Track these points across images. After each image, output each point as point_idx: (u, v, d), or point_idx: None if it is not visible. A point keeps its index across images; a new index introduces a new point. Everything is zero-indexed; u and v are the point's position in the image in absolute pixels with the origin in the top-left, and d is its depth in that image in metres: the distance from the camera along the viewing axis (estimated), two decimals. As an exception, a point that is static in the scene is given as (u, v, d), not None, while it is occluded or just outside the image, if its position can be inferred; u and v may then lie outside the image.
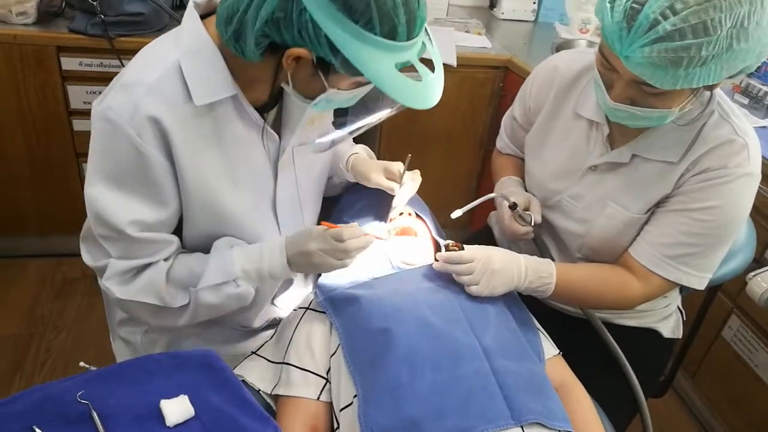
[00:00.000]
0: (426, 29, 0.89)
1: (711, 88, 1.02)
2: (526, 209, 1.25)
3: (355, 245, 1.02)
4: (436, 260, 1.10)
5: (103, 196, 0.94)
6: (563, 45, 2.27)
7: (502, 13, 2.55)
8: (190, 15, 0.94)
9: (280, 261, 1.02)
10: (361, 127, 1.03)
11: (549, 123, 1.28)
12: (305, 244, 1.02)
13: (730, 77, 1.00)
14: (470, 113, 2.27)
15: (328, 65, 0.86)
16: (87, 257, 1.03)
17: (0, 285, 2.13)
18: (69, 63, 1.86)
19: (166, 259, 1.01)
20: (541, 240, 1.30)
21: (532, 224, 1.23)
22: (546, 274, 1.12)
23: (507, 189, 1.31)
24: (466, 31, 2.31)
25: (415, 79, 0.85)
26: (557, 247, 1.31)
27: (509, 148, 1.46)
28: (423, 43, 0.88)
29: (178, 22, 0.97)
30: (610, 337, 1.21)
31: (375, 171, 1.22)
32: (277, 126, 1.07)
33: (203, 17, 0.95)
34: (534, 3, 2.55)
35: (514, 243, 1.36)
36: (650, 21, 0.88)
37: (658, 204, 1.14)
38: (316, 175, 1.21)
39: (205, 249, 1.05)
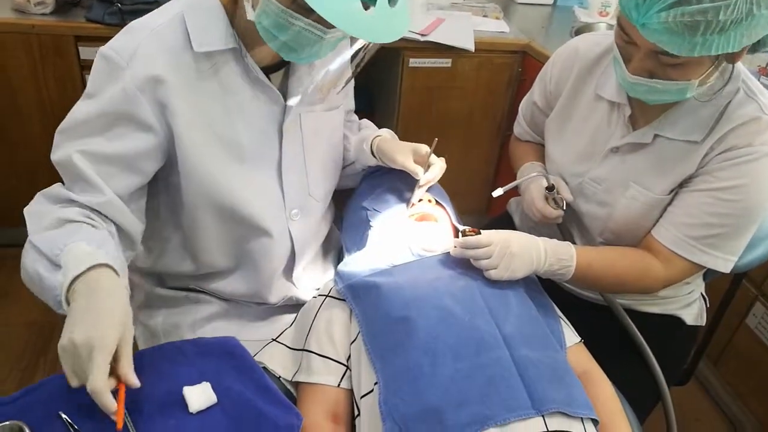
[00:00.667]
0: None
1: (733, 59, 1.00)
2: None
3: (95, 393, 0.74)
4: (454, 247, 1.09)
5: (79, 111, 0.94)
6: (582, 29, 2.23)
7: (520, -3, 2.51)
8: None
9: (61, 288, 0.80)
10: (350, 72, 1.01)
11: (570, 106, 1.26)
12: (71, 330, 0.75)
13: (754, 51, 0.97)
14: (489, 99, 2.24)
15: None
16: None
17: (19, 273, 2.14)
18: (87, 52, 1.86)
19: (93, 218, 0.93)
20: (563, 225, 1.29)
21: (563, 207, 1.21)
22: (566, 257, 1.10)
23: (530, 175, 1.29)
24: (484, 16, 2.28)
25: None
26: (579, 231, 1.29)
27: (528, 134, 1.43)
28: None
29: None
30: (632, 324, 1.19)
31: (402, 152, 1.18)
32: (284, 89, 1.07)
33: None
34: (553, -14, 2.51)
35: (535, 229, 1.35)
36: None
37: (682, 184, 1.11)
38: (325, 143, 1.19)
39: (202, 220, 1.05)
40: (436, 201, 1.22)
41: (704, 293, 1.36)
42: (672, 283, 1.17)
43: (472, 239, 1.07)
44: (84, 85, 1.95)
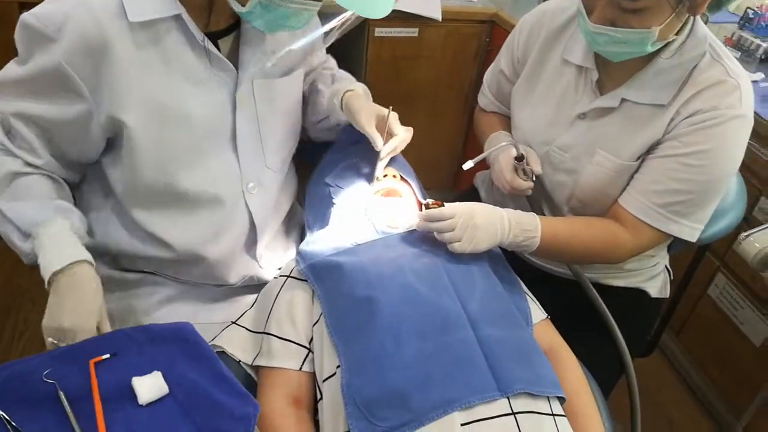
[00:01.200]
0: None
1: (694, 11, 0.99)
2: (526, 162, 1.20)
3: None
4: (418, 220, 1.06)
5: (12, 70, 0.91)
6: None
7: (489, -36, 2.45)
8: None
9: (48, 271, 0.87)
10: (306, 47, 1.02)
11: (537, 72, 1.23)
12: (62, 319, 0.84)
13: (717, 7, 0.98)
14: (455, 69, 2.20)
15: None
16: None
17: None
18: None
19: (31, 167, 0.96)
20: (530, 196, 1.27)
21: (533, 179, 1.19)
22: (531, 227, 1.08)
23: (499, 145, 1.26)
24: (451, -17, 2.22)
25: None
26: (546, 201, 1.28)
27: (494, 104, 1.40)
28: None
29: None
30: (598, 297, 1.19)
31: (366, 114, 1.13)
32: (234, 57, 1.02)
33: None
34: (521, -47, 2.45)
35: (501, 202, 1.33)
36: None
37: (649, 151, 1.10)
38: (280, 112, 1.13)
39: (155, 195, 1.02)
40: (401, 176, 1.18)
41: (668, 266, 1.37)
42: (639, 253, 1.16)
43: (435, 212, 1.04)
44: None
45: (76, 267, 0.89)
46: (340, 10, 0.93)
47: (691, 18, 1.03)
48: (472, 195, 1.50)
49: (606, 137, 1.14)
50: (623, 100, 1.11)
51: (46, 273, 0.87)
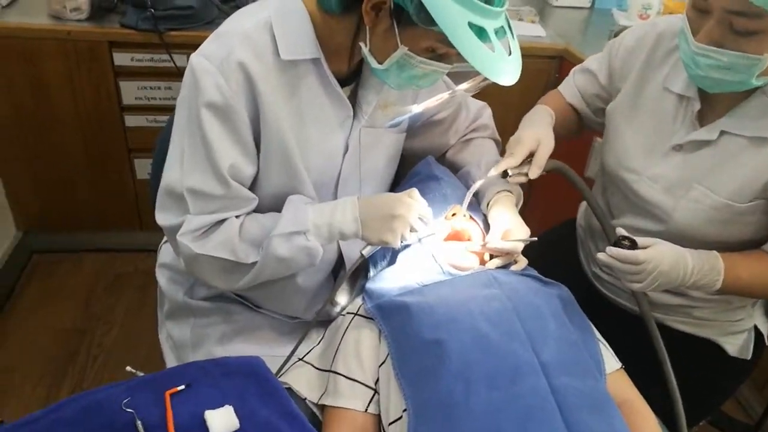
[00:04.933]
0: (507, 20, 0.90)
1: None
2: (531, 155, 1.10)
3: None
4: (604, 252, 1.04)
5: (213, 130, 0.95)
6: (622, 32, 2.15)
7: (557, 1, 2.44)
8: None
9: (352, 216, 1.00)
10: (424, 110, 1.05)
11: (637, 95, 1.19)
12: (391, 207, 1.00)
13: None
14: (524, 105, 2.16)
15: (404, 14, 0.87)
16: (161, 217, 1.03)
17: (57, 279, 2.18)
18: (121, 58, 1.87)
19: (237, 217, 1.01)
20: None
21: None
22: (713, 272, 1.04)
23: (531, 120, 1.21)
24: (519, 19, 2.22)
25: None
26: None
27: (576, 97, 1.34)
28: (503, 27, 0.88)
29: (227, 14, 1.02)
30: (661, 344, 1.09)
31: (499, 225, 1.10)
32: (353, 102, 1.07)
33: None
34: (591, -12, 2.43)
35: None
36: None
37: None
38: (383, 160, 1.18)
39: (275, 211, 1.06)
40: (470, 216, 1.17)
41: (761, 326, 1.26)
42: None
43: (629, 254, 1.01)
44: (117, 91, 1.97)
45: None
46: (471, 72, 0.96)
47: None
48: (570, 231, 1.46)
49: (703, 172, 1.08)
50: (722, 132, 1.06)
51: (350, 215, 0.99)
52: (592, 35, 2.23)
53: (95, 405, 0.79)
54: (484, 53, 0.84)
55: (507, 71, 0.88)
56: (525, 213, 1.20)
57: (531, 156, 1.10)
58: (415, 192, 1.04)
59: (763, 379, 1.82)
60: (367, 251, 1.06)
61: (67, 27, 1.81)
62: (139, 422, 0.77)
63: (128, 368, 0.86)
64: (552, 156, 1.13)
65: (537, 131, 1.13)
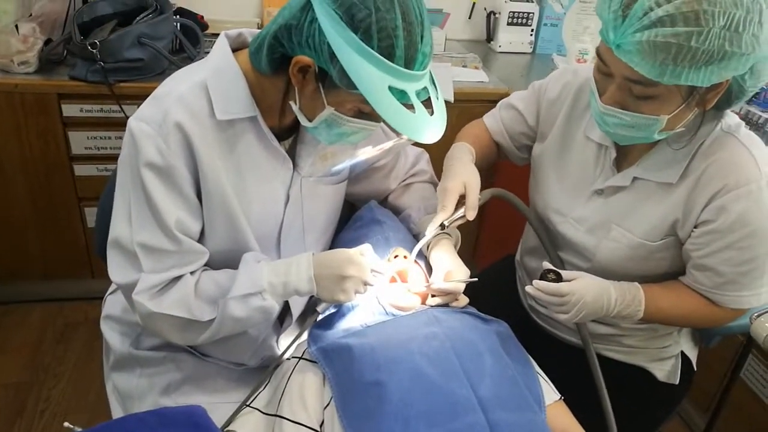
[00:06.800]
0: (433, 79, 0.93)
1: (704, 104, 1.00)
2: (462, 197, 1.15)
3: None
4: (531, 285, 1.11)
5: (156, 189, 0.97)
6: (548, 77, 2.26)
7: (500, 46, 2.57)
8: (220, 42, 1.03)
9: (306, 276, 1.03)
10: (362, 162, 1.10)
11: (563, 141, 1.26)
12: (343, 268, 1.03)
13: (727, 105, 1.00)
14: (470, 147, 2.26)
15: (328, 77, 0.90)
16: (116, 274, 1.03)
17: (4, 331, 2.12)
18: (70, 109, 1.88)
19: (192, 273, 1.03)
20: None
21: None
22: (635, 302, 1.11)
23: (451, 164, 1.22)
24: (464, 66, 2.32)
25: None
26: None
27: (502, 135, 1.37)
28: (426, 88, 0.91)
29: (177, 66, 1.02)
30: (598, 372, 1.16)
31: (440, 267, 1.15)
32: (292, 155, 1.11)
33: (233, 51, 1.02)
34: (531, 35, 2.57)
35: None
36: (644, 8, 0.89)
37: (676, 233, 1.11)
38: (325, 210, 1.21)
39: (222, 266, 1.07)
40: (412, 257, 1.21)
41: (688, 353, 1.32)
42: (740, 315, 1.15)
43: (552, 287, 1.09)
44: (66, 141, 1.97)
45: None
46: None
47: (700, 113, 1.03)
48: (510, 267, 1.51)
49: (620, 214, 1.16)
50: (635, 178, 1.14)
51: (305, 275, 1.02)
52: (533, 79, 2.29)
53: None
54: (404, 116, 0.87)
55: (427, 131, 0.91)
56: (475, 246, 1.24)
57: (462, 198, 1.15)
58: (367, 249, 1.07)
59: (706, 402, 1.89)
60: (321, 308, 1.10)
61: (15, 80, 1.82)
62: (74, 478, 0.76)
63: (66, 424, 0.85)
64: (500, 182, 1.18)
65: (460, 176, 1.17)
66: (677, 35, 0.88)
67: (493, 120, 1.40)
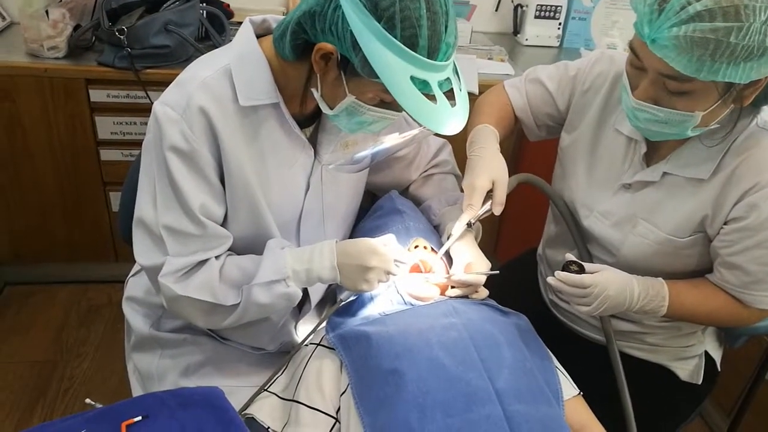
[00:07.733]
0: (456, 70, 0.92)
1: (741, 101, 0.97)
2: (490, 191, 1.13)
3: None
4: (553, 276, 1.10)
5: (180, 173, 0.97)
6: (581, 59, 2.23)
7: (526, 40, 2.53)
8: (245, 27, 1.02)
9: (330, 263, 1.03)
10: (383, 151, 1.08)
11: (594, 135, 1.23)
12: (366, 259, 1.02)
13: (765, 102, 0.97)
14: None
15: (350, 65, 0.90)
16: (142, 257, 1.04)
17: (30, 311, 2.17)
18: (97, 95, 1.91)
19: (217, 258, 1.04)
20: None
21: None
22: (658, 298, 1.09)
23: (479, 154, 1.18)
24: (489, 58, 2.29)
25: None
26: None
27: (525, 111, 1.31)
28: (449, 79, 0.90)
29: (202, 53, 1.05)
30: (619, 363, 1.14)
31: (461, 259, 1.12)
32: (313, 143, 1.11)
33: (257, 37, 1.02)
34: (558, 28, 2.53)
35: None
36: (682, 2, 0.87)
37: (704, 230, 1.08)
38: (345, 198, 1.21)
39: (245, 252, 1.08)
40: (432, 248, 1.20)
41: (712, 353, 1.30)
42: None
43: (575, 278, 1.07)
44: (93, 126, 2.00)
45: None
46: None
47: (737, 110, 1.00)
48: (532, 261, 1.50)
49: (648, 209, 1.14)
50: (664, 173, 1.11)
51: (327, 263, 1.02)
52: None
53: (51, 437, 0.80)
54: (425, 106, 0.86)
55: (449, 122, 0.90)
56: (497, 240, 1.23)
57: (489, 193, 1.13)
58: (390, 239, 1.07)
59: (729, 404, 1.85)
60: (345, 296, 1.10)
61: (44, 65, 1.85)
62: (94, 454, 0.78)
63: (87, 400, 0.87)
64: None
65: (488, 172, 1.14)
66: (716, 30, 0.85)
67: (517, 94, 1.32)
